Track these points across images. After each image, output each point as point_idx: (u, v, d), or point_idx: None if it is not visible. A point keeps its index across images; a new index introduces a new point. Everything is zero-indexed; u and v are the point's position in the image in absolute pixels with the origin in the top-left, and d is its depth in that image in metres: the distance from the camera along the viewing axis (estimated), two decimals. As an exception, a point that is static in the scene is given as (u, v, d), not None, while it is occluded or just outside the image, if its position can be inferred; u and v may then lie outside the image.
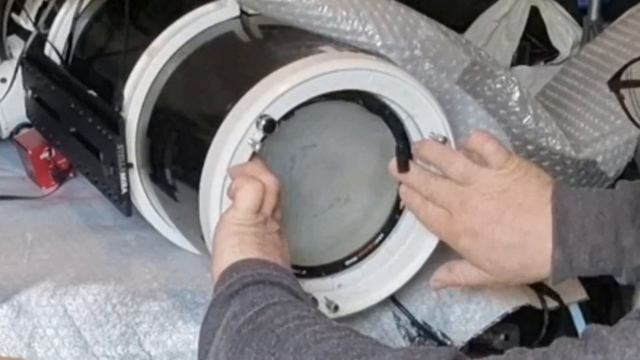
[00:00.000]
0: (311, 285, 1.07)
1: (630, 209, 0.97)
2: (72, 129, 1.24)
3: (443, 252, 1.09)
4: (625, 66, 0.84)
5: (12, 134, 1.43)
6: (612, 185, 1.24)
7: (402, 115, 1.06)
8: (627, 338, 0.75)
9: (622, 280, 0.99)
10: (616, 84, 0.86)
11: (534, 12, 2.06)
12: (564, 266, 0.98)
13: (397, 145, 1.07)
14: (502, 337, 1.22)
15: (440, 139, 1.06)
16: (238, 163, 0.99)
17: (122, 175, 1.14)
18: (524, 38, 2.06)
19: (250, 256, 0.94)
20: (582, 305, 1.27)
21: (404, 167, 1.06)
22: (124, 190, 1.15)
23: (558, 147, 1.19)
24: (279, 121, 1.00)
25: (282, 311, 0.86)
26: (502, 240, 1.00)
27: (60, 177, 1.39)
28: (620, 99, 0.86)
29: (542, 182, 1.01)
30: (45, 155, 1.39)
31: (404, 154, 1.07)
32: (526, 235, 0.99)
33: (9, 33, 1.45)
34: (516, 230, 0.99)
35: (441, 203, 1.03)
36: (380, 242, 1.11)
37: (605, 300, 1.35)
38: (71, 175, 1.41)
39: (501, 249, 1.00)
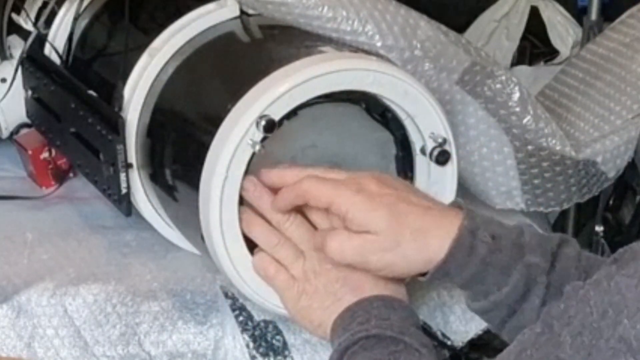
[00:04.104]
0: (311, 286, 1.07)
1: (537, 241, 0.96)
2: (72, 129, 1.24)
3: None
4: None
5: (12, 134, 1.43)
6: (613, 185, 1.24)
7: (402, 116, 1.07)
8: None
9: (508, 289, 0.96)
10: None
11: (534, 12, 2.07)
12: (465, 238, 0.93)
13: (396, 153, 1.08)
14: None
15: (439, 140, 1.06)
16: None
17: (122, 176, 1.14)
18: (524, 38, 2.06)
19: (327, 324, 0.96)
20: (582, 305, 1.27)
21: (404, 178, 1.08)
22: (123, 191, 1.15)
23: (558, 148, 1.19)
24: (282, 120, 1.00)
25: None
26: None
27: (60, 177, 1.39)
28: None
29: None
30: (45, 155, 1.39)
31: (404, 162, 1.08)
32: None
33: (9, 33, 1.45)
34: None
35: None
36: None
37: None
38: (71, 175, 1.40)
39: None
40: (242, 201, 1.01)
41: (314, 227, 1.01)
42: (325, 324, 0.96)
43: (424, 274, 0.96)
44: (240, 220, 1.01)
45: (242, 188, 1.00)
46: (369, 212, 0.95)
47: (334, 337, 0.95)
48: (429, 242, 0.94)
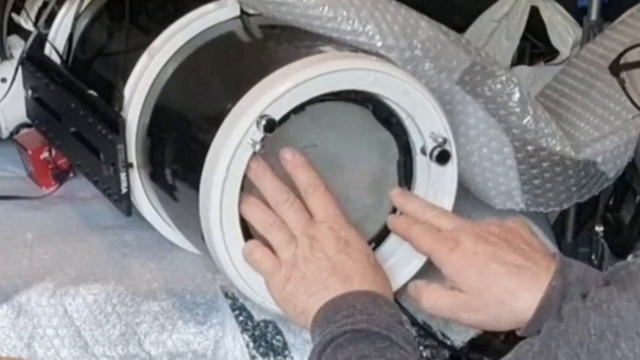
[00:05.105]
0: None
1: None
2: (72, 129, 1.24)
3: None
4: (625, 51, 0.85)
5: (12, 134, 1.43)
6: (613, 185, 1.24)
7: (403, 115, 1.07)
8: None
9: None
10: (616, 67, 0.87)
11: (534, 12, 2.07)
12: (553, 300, 0.94)
13: (398, 159, 1.08)
14: (502, 337, 1.22)
15: (439, 139, 1.06)
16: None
17: (122, 175, 1.14)
18: (524, 38, 2.06)
19: (310, 312, 0.96)
20: (582, 305, 1.26)
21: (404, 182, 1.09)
22: (124, 190, 1.15)
23: (558, 148, 1.19)
24: (290, 114, 1.00)
25: None
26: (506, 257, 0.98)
27: (60, 177, 1.39)
28: (621, 82, 0.87)
29: None
30: (45, 155, 1.39)
31: (405, 169, 1.08)
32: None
33: (9, 33, 1.45)
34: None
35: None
36: (380, 243, 1.11)
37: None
38: (71, 175, 1.40)
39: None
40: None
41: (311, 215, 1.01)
42: (308, 311, 0.96)
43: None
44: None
45: (247, 168, 1.00)
46: (459, 272, 0.98)
47: (315, 327, 0.95)
48: (518, 304, 0.96)
